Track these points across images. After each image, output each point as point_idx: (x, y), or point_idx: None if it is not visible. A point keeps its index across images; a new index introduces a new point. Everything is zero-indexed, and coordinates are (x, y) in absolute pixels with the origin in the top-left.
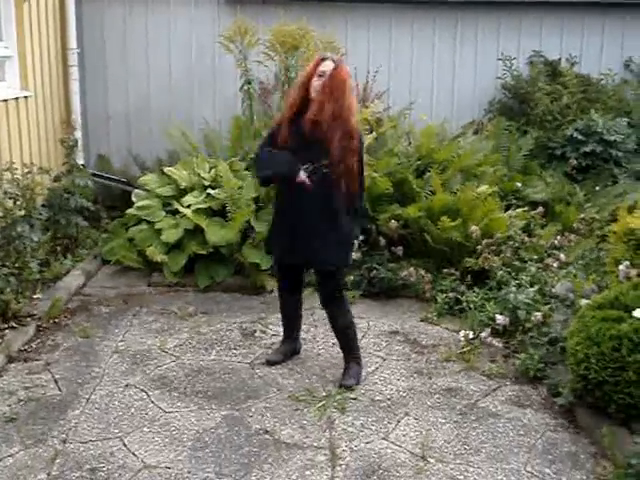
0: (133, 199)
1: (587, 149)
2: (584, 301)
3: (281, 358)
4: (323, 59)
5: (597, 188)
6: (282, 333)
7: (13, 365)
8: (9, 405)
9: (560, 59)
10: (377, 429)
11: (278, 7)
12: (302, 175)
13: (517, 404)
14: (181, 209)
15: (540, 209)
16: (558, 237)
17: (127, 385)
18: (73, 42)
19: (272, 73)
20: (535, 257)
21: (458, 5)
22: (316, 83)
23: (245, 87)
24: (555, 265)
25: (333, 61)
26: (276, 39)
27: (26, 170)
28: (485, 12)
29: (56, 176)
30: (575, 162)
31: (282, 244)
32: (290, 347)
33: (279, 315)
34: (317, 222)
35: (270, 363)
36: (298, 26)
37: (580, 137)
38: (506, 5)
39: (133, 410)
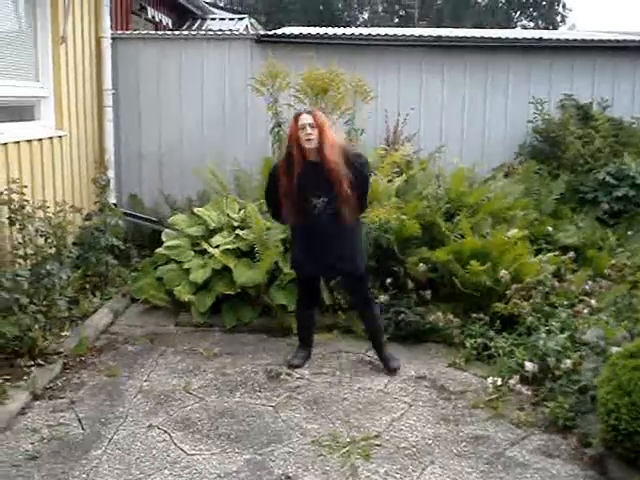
0: (163, 238)
1: (619, 193)
2: (615, 349)
3: (303, 362)
4: (298, 115)
5: (630, 233)
6: (299, 341)
7: (38, 402)
8: (32, 443)
9: (592, 103)
10: (401, 477)
11: (310, 50)
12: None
13: (546, 454)
14: (209, 249)
15: (571, 254)
16: (589, 282)
17: (150, 426)
18: (108, 83)
19: None
20: (566, 303)
21: (489, 49)
22: (302, 134)
23: (275, 129)
24: (586, 311)
25: (308, 112)
26: (306, 82)
27: (58, 208)
28: (516, 55)
29: (87, 215)
30: (607, 206)
31: (307, 259)
32: (309, 351)
33: None
34: (337, 238)
35: (293, 366)
36: (328, 70)
37: (612, 181)
38: (537, 49)
39: (155, 452)
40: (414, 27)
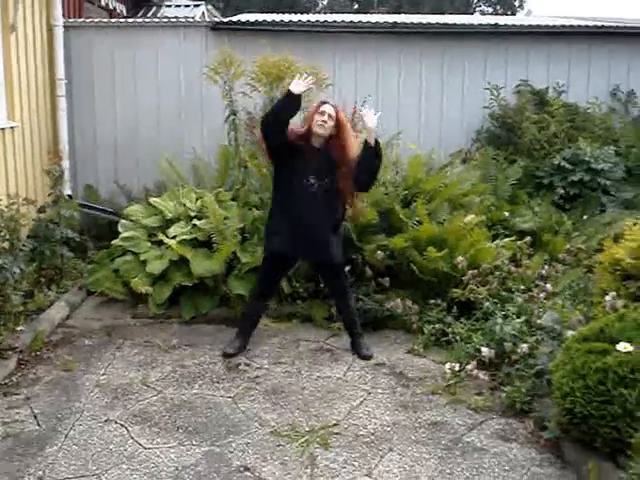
0: (119, 229)
1: (575, 178)
2: (570, 332)
3: (237, 352)
4: (323, 103)
5: (585, 217)
6: (238, 330)
7: None
8: None
9: (547, 88)
10: (360, 465)
11: (266, 38)
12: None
13: (503, 438)
14: (166, 240)
15: (528, 238)
16: (546, 267)
17: (107, 420)
18: (61, 72)
19: (259, 104)
20: (522, 287)
21: (444, 35)
22: (317, 118)
23: (231, 118)
24: (542, 295)
25: (333, 105)
26: (261, 70)
27: (11, 201)
28: (471, 41)
29: (41, 207)
30: (562, 191)
31: (286, 237)
32: (246, 341)
33: (264, 347)
34: (324, 224)
35: (226, 355)
36: (282, 57)
37: (568, 166)
38: (492, 35)
39: (112, 446)
40: (373, 12)
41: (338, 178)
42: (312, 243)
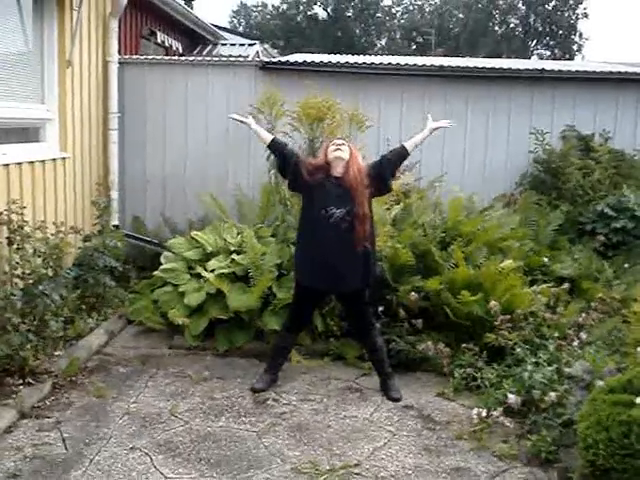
0: (162, 261)
1: (618, 225)
2: (600, 383)
3: (267, 386)
4: (331, 139)
5: (627, 265)
6: (268, 364)
7: (25, 421)
8: (14, 461)
9: (593, 134)
10: None
11: (312, 78)
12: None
13: None
14: (203, 273)
15: (566, 285)
16: (583, 315)
17: (132, 448)
18: (114, 106)
19: (298, 143)
20: (556, 335)
21: (491, 79)
22: (332, 147)
23: (272, 157)
24: (575, 344)
25: (340, 138)
26: (302, 111)
27: (57, 230)
28: (518, 86)
29: (86, 236)
30: (603, 238)
31: (310, 268)
32: (275, 376)
33: (294, 384)
34: (347, 254)
35: (255, 390)
36: (324, 98)
37: (611, 213)
38: (539, 80)
39: (135, 474)
40: (431, 54)
41: (356, 202)
42: (334, 273)
